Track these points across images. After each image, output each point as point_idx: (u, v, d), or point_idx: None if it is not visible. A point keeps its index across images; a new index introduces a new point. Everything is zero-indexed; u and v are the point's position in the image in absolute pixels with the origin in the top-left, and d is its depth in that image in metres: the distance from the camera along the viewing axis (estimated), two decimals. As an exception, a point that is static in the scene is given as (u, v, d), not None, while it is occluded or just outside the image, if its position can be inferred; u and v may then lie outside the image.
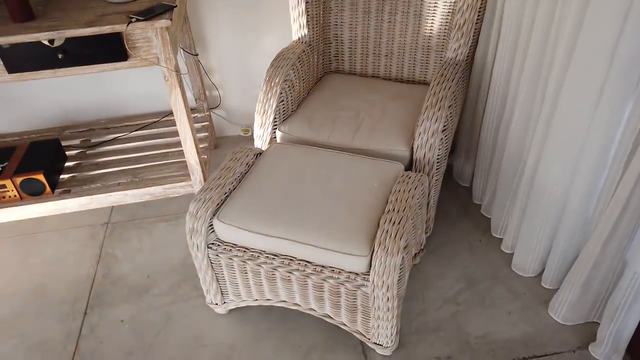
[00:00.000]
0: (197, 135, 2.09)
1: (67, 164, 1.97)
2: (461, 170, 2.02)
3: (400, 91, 1.85)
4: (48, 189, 1.78)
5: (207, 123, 2.17)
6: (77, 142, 2.10)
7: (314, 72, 1.96)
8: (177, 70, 1.55)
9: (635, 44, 1.07)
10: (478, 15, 1.63)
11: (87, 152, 2.03)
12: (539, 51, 1.38)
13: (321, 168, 1.47)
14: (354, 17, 1.94)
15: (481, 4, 1.61)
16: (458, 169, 2.04)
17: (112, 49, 1.47)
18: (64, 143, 2.09)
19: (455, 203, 1.95)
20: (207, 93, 2.25)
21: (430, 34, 1.84)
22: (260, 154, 1.58)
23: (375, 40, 1.95)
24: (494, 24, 1.61)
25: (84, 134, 2.14)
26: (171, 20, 1.43)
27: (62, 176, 1.90)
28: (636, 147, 1.18)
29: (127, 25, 1.41)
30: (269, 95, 1.69)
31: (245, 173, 1.50)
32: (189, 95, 2.21)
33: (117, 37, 1.46)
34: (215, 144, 2.34)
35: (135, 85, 2.17)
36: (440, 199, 1.97)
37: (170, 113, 2.24)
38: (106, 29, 1.40)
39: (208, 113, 2.22)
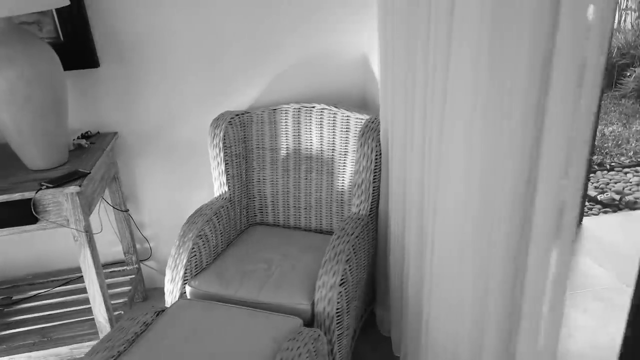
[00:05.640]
0: (122, 288, 2.09)
1: (-20, 323, 1.92)
2: (382, 320, 2.01)
3: (315, 242, 1.93)
4: (-53, 352, 1.71)
5: (134, 276, 2.19)
6: (-3, 299, 2.08)
7: (237, 225, 2.05)
8: (87, 231, 1.62)
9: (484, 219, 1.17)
10: (374, 175, 1.79)
11: (5, 310, 2.00)
12: (418, 211, 1.49)
13: (217, 326, 1.46)
14: (274, 174, 2.09)
15: (375, 166, 1.78)
16: (380, 319, 2.03)
17: (21, 214, 1.55)
18: (-17, 301, 2.07)
19: (375, 357, 1.90)
20: (137, 246, 2.30)
21: (342, 190, 1.98)
22: (163, 311, 1.58)
23: (295, 195, 2.09)
24: (388, 182, 1.76)
25: (7, 290, 2.13)
26: (80, 186, 1.54)
27: (-31, 338, 1.84)
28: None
29: (36, 192, 1.51)
30: (181, 250, 1.74)
31: (141, 333, 1.48)
32: (118, 249, 2.26)
33: (28, 203, 1.55)
34: (144, 296, 2.32)
35: (64, 238, 2.23)
36: (361, 351, 1.92)
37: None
38: (16, 196, 1.50)
39: (137, 266, 2.25)
